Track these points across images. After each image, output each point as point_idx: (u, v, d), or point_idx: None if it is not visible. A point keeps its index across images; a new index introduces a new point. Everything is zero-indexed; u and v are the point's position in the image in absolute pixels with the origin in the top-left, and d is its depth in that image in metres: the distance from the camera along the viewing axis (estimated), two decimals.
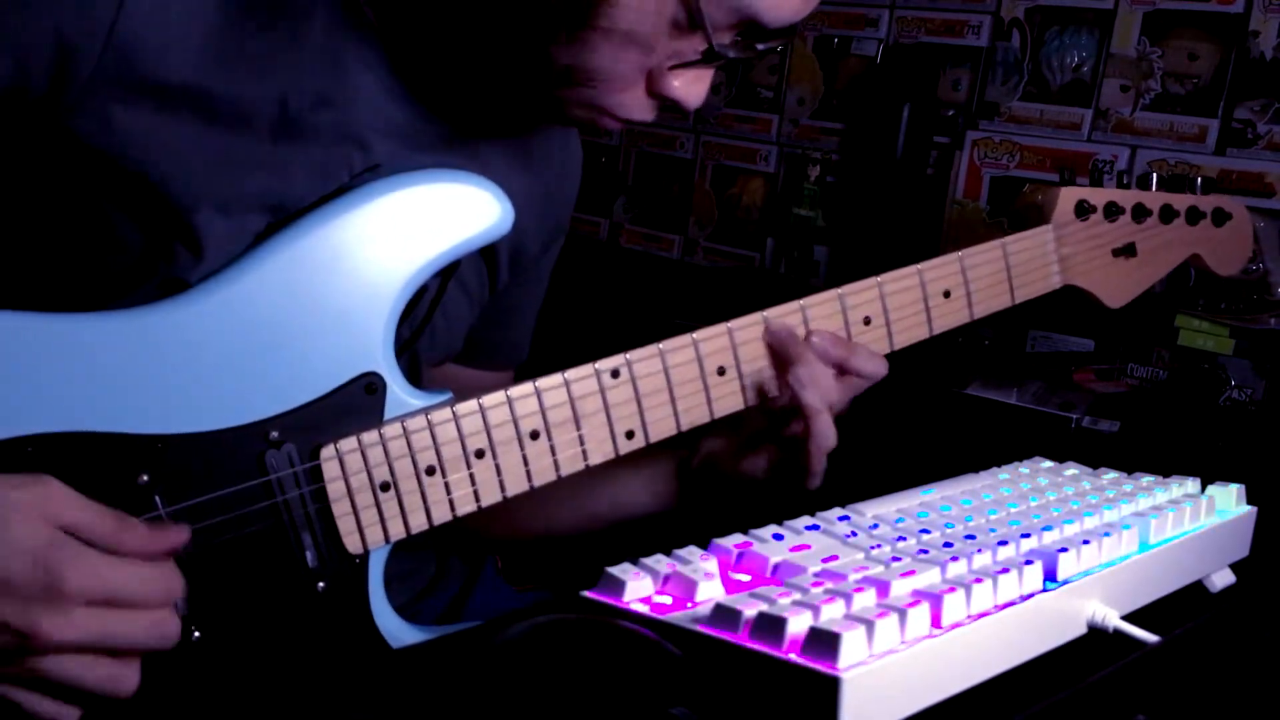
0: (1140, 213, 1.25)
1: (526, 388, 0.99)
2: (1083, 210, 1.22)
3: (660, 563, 0.90)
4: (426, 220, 0.97)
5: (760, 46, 0.97)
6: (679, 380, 1.05)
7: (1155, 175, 1.28)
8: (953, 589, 0.83)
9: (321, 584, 0.95)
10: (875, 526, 0.99)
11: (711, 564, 0.90)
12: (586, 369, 1.01)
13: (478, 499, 0.99)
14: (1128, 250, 1.25)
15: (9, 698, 0.80)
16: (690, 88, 0.98)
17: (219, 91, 0.92)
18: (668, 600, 0.87)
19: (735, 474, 1.15)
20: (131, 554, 0.81)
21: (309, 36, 0.96)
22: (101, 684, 0.80)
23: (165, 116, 0.90)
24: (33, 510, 0.78)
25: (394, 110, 1.01)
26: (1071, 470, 1.18)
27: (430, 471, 0.96)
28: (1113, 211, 1.24)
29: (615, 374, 1.02)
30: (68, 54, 0.87)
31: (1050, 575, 0.91)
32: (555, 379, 1.00)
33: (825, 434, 1.07)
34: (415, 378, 1.09)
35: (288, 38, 0.95)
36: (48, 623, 0.76)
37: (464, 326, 1.15)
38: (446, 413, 0.97)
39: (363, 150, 0.99)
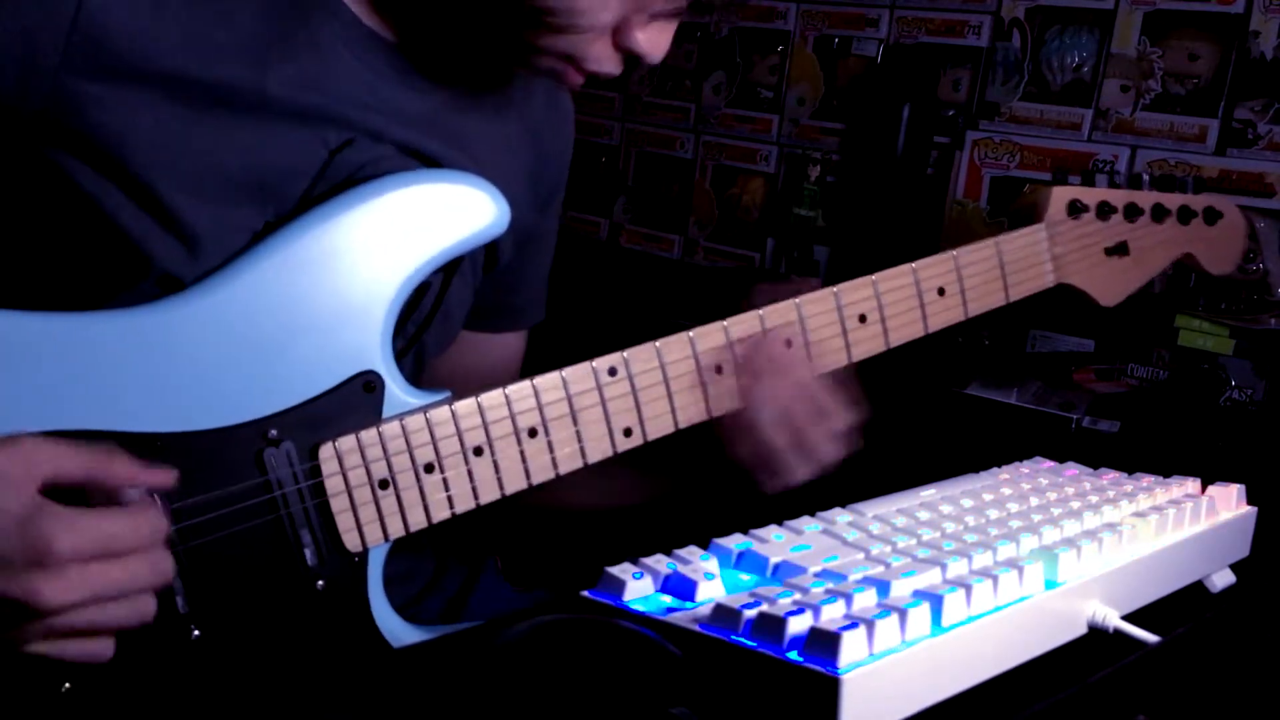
0: (1132, 212, 1.26)
1: (524, 386, 0.99)
2: (1075, 209, 1.23)
3: (660, 563, 0.90)
4: (423, 220, 0.97)
5: None
6: (676, 377, 1.05)
7: (1147, 175, 1.29)
8: (953, 589, 0.83)
9: (321, 582, 0.95)
10: (875, 526, 0.99)
11: (711, 564, 0.90)
12: (584, 367, 1.02)
13: (476, 496, 0.99)
14: (1120, 249, 1.26)
15: (36, 653, 0.79)
16: (656, 40, 1.00)
17: (191, 74, 0.92)
18: (668, 600, 0.87)
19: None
20: (121, 484, 0.81)
21: (279, 12, 0.97)
22: (119, 621, 0.80)
23: (137, 101, 0.91)
24: (13, 474, 0.77)
25: (371, 83, 1.01)
26: (1071, 470, 1.17)
27: (429, 469, 0.96)
28: (1105, 210, 1.24)
29: (612, 372, 1.02)
30: (32, 49, 0.88)
31: (1050, 575, 0.91)
32: (553, 377, 1.00)
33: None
34: (418, 375, 1.09)
35: (258, 16, 0.96)
36: (46, 588, 0.76)
37: (465, 313, 1.15)
38: (445, 410, 0.97)
39: (337, 125, 0.99)
